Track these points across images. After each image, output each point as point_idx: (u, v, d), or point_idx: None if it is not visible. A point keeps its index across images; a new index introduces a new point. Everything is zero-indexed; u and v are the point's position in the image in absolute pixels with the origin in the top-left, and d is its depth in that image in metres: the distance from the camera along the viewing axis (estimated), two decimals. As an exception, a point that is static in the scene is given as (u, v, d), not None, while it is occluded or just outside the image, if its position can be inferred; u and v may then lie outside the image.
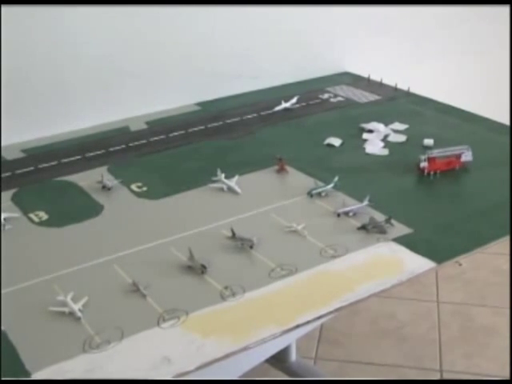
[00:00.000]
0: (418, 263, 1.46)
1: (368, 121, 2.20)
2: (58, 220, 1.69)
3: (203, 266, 1.44)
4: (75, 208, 1.76)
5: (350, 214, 1.65)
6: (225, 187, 1.81)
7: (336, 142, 2.08)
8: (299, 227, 1.59)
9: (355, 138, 2.11)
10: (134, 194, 1.82)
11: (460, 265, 2.97)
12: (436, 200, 1.76)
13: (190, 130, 2.23)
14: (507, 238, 1.55)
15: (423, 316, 2.78)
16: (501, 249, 2.96)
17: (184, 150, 2.09)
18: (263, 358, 2.27)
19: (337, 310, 1.33)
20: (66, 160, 2.03)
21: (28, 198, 1.80)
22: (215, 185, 1.82)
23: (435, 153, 1.86)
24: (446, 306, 2.83)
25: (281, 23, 2.49)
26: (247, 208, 1.70)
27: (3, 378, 1.19)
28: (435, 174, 1.85)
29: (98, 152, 2.08)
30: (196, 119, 2.32)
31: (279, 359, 2.43)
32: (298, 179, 1.85)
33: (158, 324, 1.29)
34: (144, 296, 1.37)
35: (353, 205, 1.67)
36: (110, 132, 2.23)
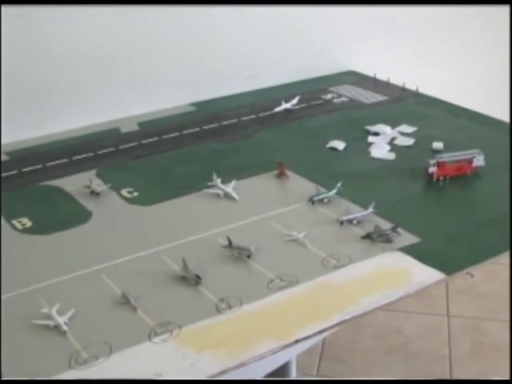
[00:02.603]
0: (427, 274, 1.46)
1: (374, 123, 2.21)
2: (42, 227, 1.70)
3: (198, 277, 1.44)
4: (61, 214, 1.76)
5: (354, 221, 1.65)
6: (221, 193, 1.81)
7: (339, 145, 2.08)
8: (300, 236, 1.59)
9: (360, 141, 2.12)
10: (124, 199, 1.82)
11: (472, 276, 2.97)
12: (445, 207, 1.76)
13: (185, 132, 2.24)
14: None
15: (432, 331, 2.78)
16: (515, 260, 2.96)
17: (178, 153, 2.09)
18: (261, 375, 2.27)
19: (340, 323, 1.34)
20: (51, 163, 2.04)
21: (11, 204, 1.80)
22: (211, 190, 1.83)
23: (445, 157, 1.86)
24: (457, 321, 2.83)
25: (281, 19, 2.50)
26: (245, 215, 1.71)
27: (3, 378, 1.21)
28: (445, 179, 1.85)
29: (86, 155, 2.08)
30: (191, 120, 2.32)
31: (278, 376, 2.43)
32: (299, 185, 1.86)
33: (150, 338, 1.30)
34: (134, 308, 1.37)
35: (357, 212, 1.68)
36: (98, 134, 2.23)
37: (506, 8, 2.90)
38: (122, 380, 1.20)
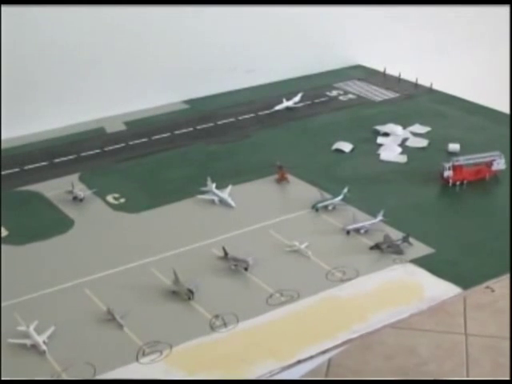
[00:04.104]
0: (442, 289, 1.47)
1: (383, 122, 2.22)
2: (19, 237, 1.69)
3: (190, 291, 1.44)
4: (41, 223, 1.76)
5: (362, 231, 1.66)
6: (216, 199, 1.81)
7: (346, 147, 2.09)
8: (302, 246, 1.59)
9: (368, 142, 2.12)
10: (109, 206, 1.82)
11: (492, 291, 2.97)
12: (462, 215, 1.77)
13: (176, 132, 2.24)
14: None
15: (448, 351, 2.78)
16: (539, 272, 2.96)
17: (169, 155, 2.10)
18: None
19: (346, 343, 1.34)
20: (30, 166, 2.04)
21: (-15, 211, 1.81)
22: (205, 196, 1.83)
23: (462, 160, 1.86)
24: (476, 340, 2.83)
25: (281, 9, 2.50)
26: (242, 223, 1.71)
27: (3, 378, 1.22)
28: (462, 184, 1.86)
29: (68, 157, 2.09)
30: (183, 119, 2.33)
31: (279, 401, 2.43)
32: (301, 190, 1.86)
33: (137, 359, 1.30)
34: (121, 326, 1.37)
35: (364, 220, 1.68)
36: (82, 134, 2.23)
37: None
38: (122, 380, 1.22)
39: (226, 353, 1.32)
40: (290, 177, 1.91)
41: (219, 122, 2.30)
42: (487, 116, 2.27)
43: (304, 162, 2.01)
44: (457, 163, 1.85)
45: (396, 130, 2.17)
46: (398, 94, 2.49)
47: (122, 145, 2.16)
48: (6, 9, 2.07)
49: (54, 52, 2.21)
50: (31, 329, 1.35)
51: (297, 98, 2.41)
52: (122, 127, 2.28)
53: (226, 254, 1.56)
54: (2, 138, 2.16)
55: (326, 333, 1.35)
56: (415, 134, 2.16)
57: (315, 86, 2.55)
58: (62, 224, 1.74)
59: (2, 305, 1.45)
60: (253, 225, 1.70)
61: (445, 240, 1.63)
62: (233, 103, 2.43)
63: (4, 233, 1.71)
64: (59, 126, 2.24)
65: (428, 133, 2.18)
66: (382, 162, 2.01)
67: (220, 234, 1.66)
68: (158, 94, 2.41)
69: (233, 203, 1.80)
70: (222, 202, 1.80)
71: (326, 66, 2.68)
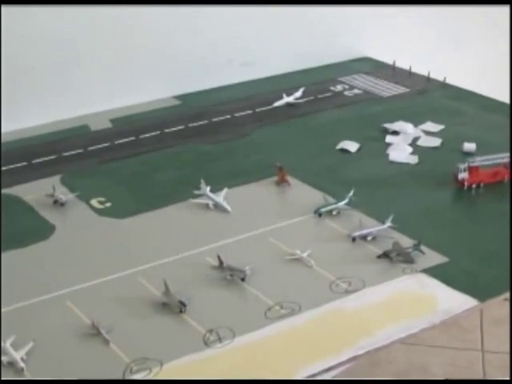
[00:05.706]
0: (456, 301, 1.47)
1: (392, 120, 2.22)
2: (-4, 244, 1.70)
3: (182, 304, 1.44)
4: (19, 229, 1.76)
5: (369, 237, 1.66)
6: (210, 203, 1.82)
7: (352, 146, 2.09)
8: (304, 254, 1.60)
9: (376, 141, 2.13)
10: (94, 211, 1.83)
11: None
12: (479, 221, 1.77)
13: (167, 131, 2.24)
14: None
15: (463, 369, 2.78)
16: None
17: (158, 155, 2.10)
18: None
19: (351, 360, 1.34)
20: (6, 168, 2.04)
21: (-41, 216, 1.81)
22: (198, 200, 1.83)
23: (478, 161, 1.87)
24: (493, 357, 2.83)
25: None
26: (239, 230, 1.71)
27: (3, 378, 1.24)
28: (478, 187, 1.86)
29: (49, 158, 2.09)
30: (174, 117, 2.33)
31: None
32: (303, 193, 1.87)
33: (124, 377, 1.29)
34: (106, 341, 1.37)
35: (372, 226, 1.68)
36: (63, 132, 2.23)
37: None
38: (122, 380, 1.24)
39: (220, 370, 1.32)
40: (290, 179, 1.91)
41: (213, 120, 2.30)
42: (505, 113, 2.27)
43: (306, 163, 2.01)
44: (472, 164, 1.86)
45: (406, 128, 2.18)
46: (408, 89, 2.50)
47: (108, 144, 2.16)
48: None
49: (33, 43, 2.21)
50: (8, 344, 1.35)
51: (298, 94, 2.41)
52: (108, 125, 2.28)
53: (221, 262, 1.56)
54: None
55: (329, 349, 1.35)
56: (427, 133, 2.17)
57: (318, 81, 2.56)
58: (42, 230, 1.74)
59: (-23, 318, 1.45)
60: (250, 231, 1.71)
61: (459, 248, 1.64)
62: (228, 99, 2.43)
63: (-22, 240, 1.72)
64: (39, 124, 2.25)
65: (441, 131, 2.18)
66: (391, 162, 2.02)
67: (215, 241, 1.67)
68: (147, 88, 2.42)
69: (229, 208, 1.80)
70: (217, 206, 1.81)
71: (330, 59, 2.69)
